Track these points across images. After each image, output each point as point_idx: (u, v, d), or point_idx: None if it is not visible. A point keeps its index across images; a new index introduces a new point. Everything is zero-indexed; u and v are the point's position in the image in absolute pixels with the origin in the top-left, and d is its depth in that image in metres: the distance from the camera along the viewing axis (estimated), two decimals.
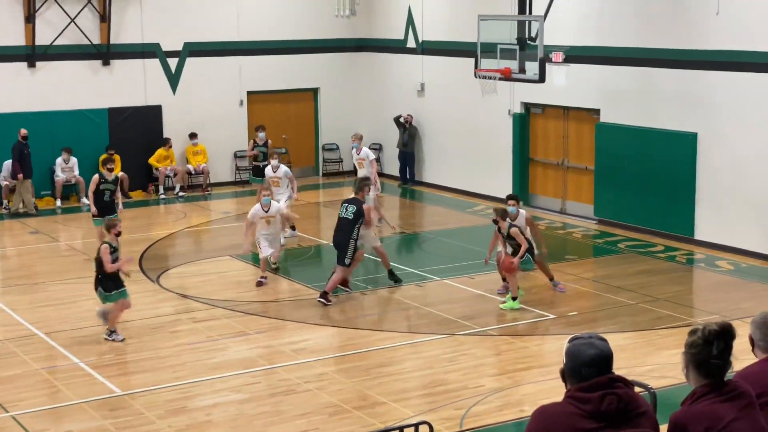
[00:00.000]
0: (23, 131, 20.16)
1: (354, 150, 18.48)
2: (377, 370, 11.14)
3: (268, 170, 17.09)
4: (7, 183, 20.52)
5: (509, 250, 13.43)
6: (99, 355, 11.74)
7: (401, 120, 23.07)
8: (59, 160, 20.90)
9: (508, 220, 13.37)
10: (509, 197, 14.10)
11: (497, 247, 13.87)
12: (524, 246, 13.25)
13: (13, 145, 20.10)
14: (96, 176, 15.87)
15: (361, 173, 17.79)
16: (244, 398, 10.37)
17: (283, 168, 17.04)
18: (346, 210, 13.93)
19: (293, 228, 17.46)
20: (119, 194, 16.17)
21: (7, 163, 20.55)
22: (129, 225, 19.24)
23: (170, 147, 22.22)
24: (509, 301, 13.34)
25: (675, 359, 9.78)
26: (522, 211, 13.86)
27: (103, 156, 21.53)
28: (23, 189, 20.15)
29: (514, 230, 13.23)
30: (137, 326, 12.76)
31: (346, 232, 13.77)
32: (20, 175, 20.00)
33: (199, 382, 10.87)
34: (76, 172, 21.10)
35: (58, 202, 20.92)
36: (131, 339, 12.32)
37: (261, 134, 19.71)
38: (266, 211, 14.85)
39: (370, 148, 24.61)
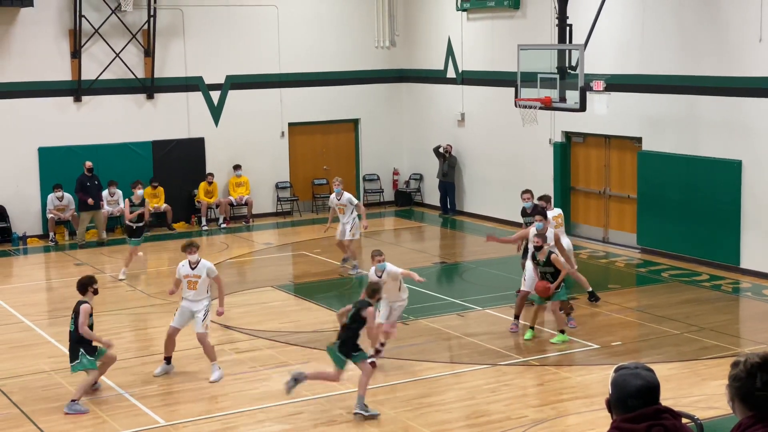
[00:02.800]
0: (88, 164, 20.69)
1: (334, 195, 17.45)
2: (419, 401, 11.10)
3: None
4: (52, 216, 20.84)
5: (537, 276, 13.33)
6: (143, 386, 11.82)
7: (441, 150, 23.11)
8: (104, 193, 21.19)
9: (547, 245, 13.27)
10: (535, 212, 14.02)
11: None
12: (564, 272, 13.15)
13: (78, 178, 20.57)
14: None
15: (343, 219, 17.24)
16: (287, 429, 10.38)
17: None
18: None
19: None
20: None
21: (51, 197, 20.89)
22: (173, 256, 19.42)
23: (212, 182, 22.43)
24: (558, 335, 13.23)
25: (721, 390, 9.63)
26: (551, 230, 13.85)
27: (148, 188, 21.85)
28: (96, 220, 20.54)
29: (554, 257, 13.14)
30: (181, 357, 12.82)
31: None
32: (90, 202, 20.46)
33: (242, 412, 10.90)
34: (121, 205, 21.38)
35: (104, 234, 21.18)
36: (174, 369, 12.38)
37: (138, 191, 17.82)
38: (192, 269, 12.21)
39: (410, 178, 24.87)
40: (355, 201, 17.41)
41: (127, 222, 17.82)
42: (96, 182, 20.74)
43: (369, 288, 10.93)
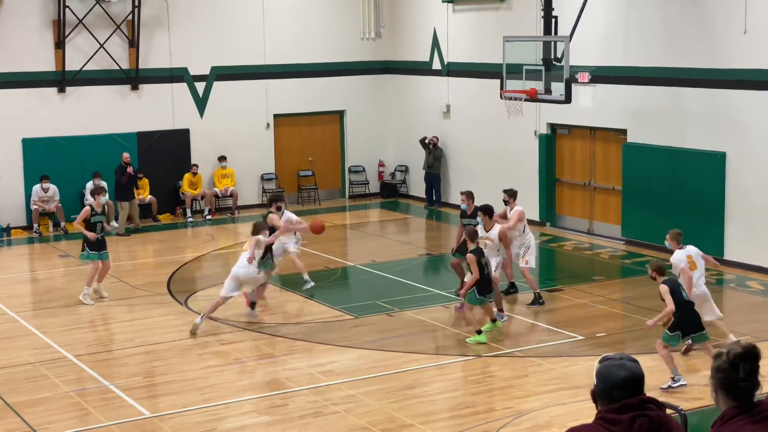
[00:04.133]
0: (125, 155, 20.77)
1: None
2: (404, 392, 11.11)
3: None
4: (36, 207, 20.73)
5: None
6: (128, 378, 11.79)
7: (426, 142, 23.11)
8: (89, 185, 21.06)
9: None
10: (482, 209, 13.96)
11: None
12: (473, 278, 12.81)
13: (116, 168, 20.60)
14: None
15: (282, 237, 15.48)
16: (272, 420, 10.38)
17: None
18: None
19: None
20: None
21: (36, 188, 20.77)
22: (158, 248, 19.40)
23: (196, 173, 22.35)
24: (474, 335, 12.85)
25: (705, 380, 9.68)
26: (497, 227, 13.78)
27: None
28: (130, 209, 20.69)
29: (469, 257, 12.86)
30: (165, 348, 12.81)
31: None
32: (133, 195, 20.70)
33: (227, 404, 10.89)
34: (106, 196, 21.26)
35: (137, 222, 21.14)
36: (159, 361, 12.38)
37: (103, 198, 15.48)
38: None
39: (396, 170, 24.86)
40: (296, 218, 15.75)
41: (88, 233, 15.20)
42: (131, 174, 20.73)
43: (656, 267, 11.74)
